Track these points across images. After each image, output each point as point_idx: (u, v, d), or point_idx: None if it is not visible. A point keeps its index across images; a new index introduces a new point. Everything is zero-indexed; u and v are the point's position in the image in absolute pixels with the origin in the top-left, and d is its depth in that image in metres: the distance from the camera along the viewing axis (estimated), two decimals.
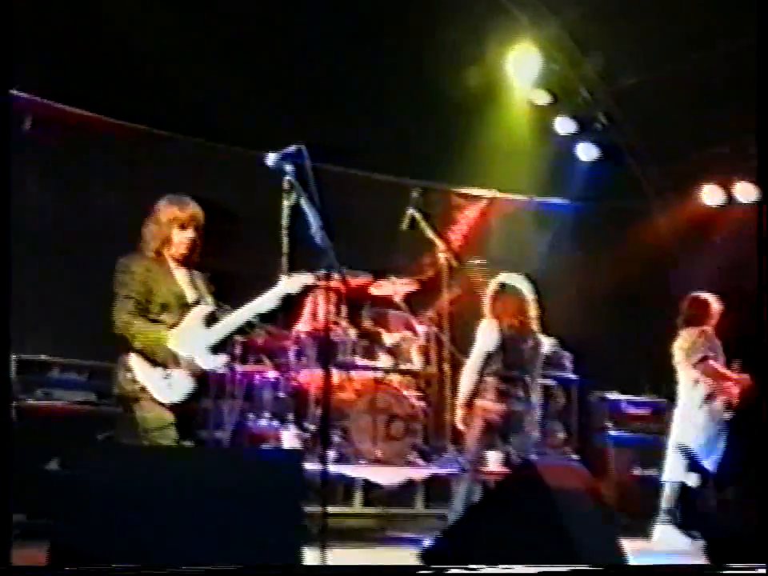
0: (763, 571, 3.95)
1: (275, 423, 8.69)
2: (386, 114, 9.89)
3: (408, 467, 8.80)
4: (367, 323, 9.44)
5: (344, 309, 9.12)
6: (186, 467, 4.21)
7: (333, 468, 8.10)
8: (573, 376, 10.45)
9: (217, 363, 5.72)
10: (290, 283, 5.72)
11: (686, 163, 11.04)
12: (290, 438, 8.48)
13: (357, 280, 8.79)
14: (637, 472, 10.11)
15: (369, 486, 8.82)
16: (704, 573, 4.05)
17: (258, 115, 9.16)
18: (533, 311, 7.85)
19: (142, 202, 6.04)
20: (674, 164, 11.22)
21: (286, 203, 5.80)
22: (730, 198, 10.76)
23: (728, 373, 8.74)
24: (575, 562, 4.43)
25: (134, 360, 5.49)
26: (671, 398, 10.44)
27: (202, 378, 5.67)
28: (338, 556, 5.14)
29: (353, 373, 9.12)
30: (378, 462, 8.67)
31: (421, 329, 9.50)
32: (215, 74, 9.07)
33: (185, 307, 5.66)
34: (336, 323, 8.96)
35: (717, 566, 4.02)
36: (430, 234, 9.22)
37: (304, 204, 5.44)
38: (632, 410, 10.34)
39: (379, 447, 8.72)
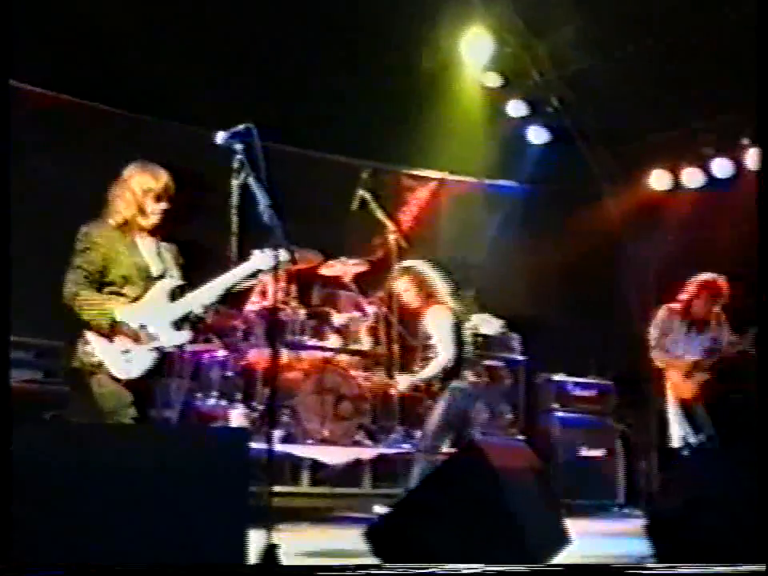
0: (763, 569, 4.00)
1: (223, 402, 8.68)
2: (336, 94, 9.88)
3: (355, 447, 8.84)
4: (317, 303, 9.46)
5: (294, 288, 9.12)
6: (133, 446, 4.18)
7: (280, 447, 8.12)
8: (520, 357, 10.52)
9: (180, 339, 5.56)
10: (262, 259, 5.59)
11: (635, 148, 11.14)
12: (237, 418, 8.47)
13: (307, 260, 8.79)
14: (582, 453, 10.21)
15: (316, 466, 8.84)
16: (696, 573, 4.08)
17: (208, 93, 9.12)
18: (444, 290, 7.79)
19: (92, 179, 5.99)
20: (624, 148, 11.31)
21: (235, 182, 5.75)
22: (678, 183, 10.86)
23: (673, 361, 8.64)
24: (519, 541, 4.49)
25: (90, 334, 5.36)
26: (617, 380, 10.58)
27: (163, 355, 5.49)
28: (285, 536, 5.16)
29: (302, 352, 9.13)
30: (325, 441, 8.69)
31: (370, 309, 9.53)
32: (167, 51, 9.05)
33: (149, 280, 5.51)
34: (285, 303, 8.97)
35: (715, 565, 4.05)
36: (380, 215, 9.21)
37: (252, 183, 5.40)
38: (578, 392, 10.45)
39: (327, 427, 8.75)
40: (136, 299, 5.44)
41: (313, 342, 9.14)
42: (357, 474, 9.11)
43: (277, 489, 5.42)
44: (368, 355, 9.46)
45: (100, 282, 5.42)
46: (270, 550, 4.77)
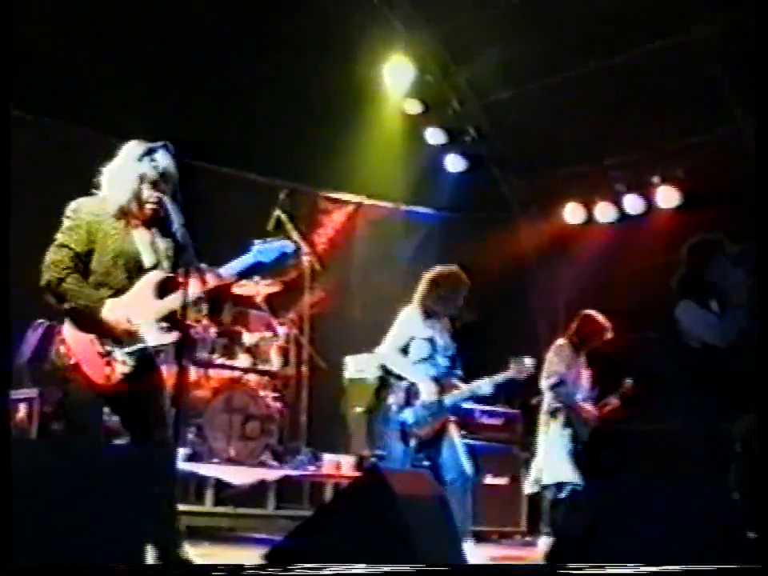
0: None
1: None
2: (256, 114, 9.89)
3: (261, 467, 8.80)
4: (227, 322, 9.41)
5: (204, 306, 9.06)
6: (36, 460, 4.13)
7: (185, 465, 8.06)
8: None
9: (165, 339, 5.13)
10: (264, 251, 5.43)
11: (550, 180, 11.29)
12: None
13: (219, 278, 8.72)
14: (487, 480, 10.25)
15: (221, 485, 8.78)
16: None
17: (126, 108, 9.06)
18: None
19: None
20: (539, 180, 11.46)
21: None
22: (591, 217, 11.02)
23: (579, 404, 8.79)
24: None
25: (67, 330, 4.97)
26: (523, 408, 10.67)
27: (148, 357, 5.12)
28: (187, 554, 5.14)
29: (210, 371, 9.08)
30: (231, 461, 8.65)
31: (281, 330, 9.52)
32: (85, 65, 8.99)
33: (138, 271, 5.09)
34: (197, 320, 8.91)
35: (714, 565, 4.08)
36: (295, 236, 9.23)
37: (167, 201, 5.22)
38: (485, 420, 10.49)
39: (233, 446, 8.70)
40: (120, 291, 5.04)
41: (222, 360, 9.09)
42: (261, 495, 9.05)
43: (180, 507, 5.38)
44: (277, 376, 9.45)
45: (85, 266, 5.01)
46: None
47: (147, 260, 5.16)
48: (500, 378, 7.64)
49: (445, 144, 11.43)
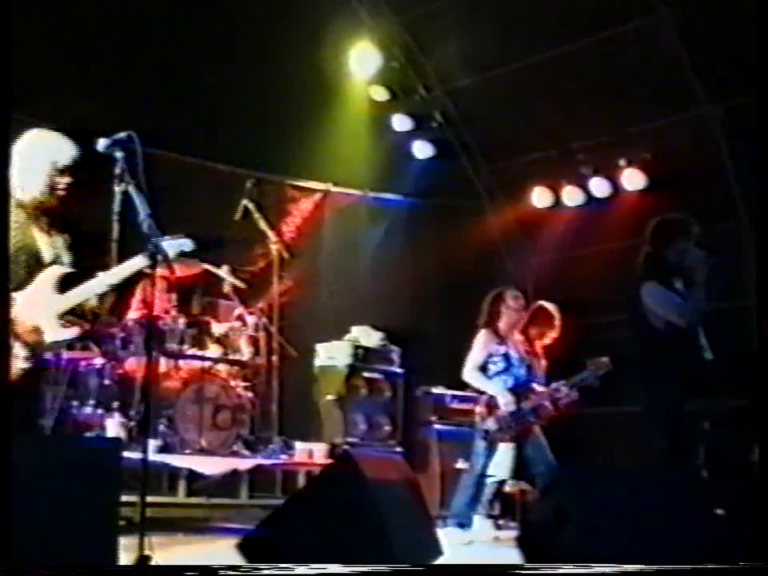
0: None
1: (100, 411, 8.55)
2: (222, 103, 9.85)
3: (233, 457, 8.80)
4: (197, 312, 9.39)
5: (174, 297, 9.03)
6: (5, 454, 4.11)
7: (157, 457, 8.05)
8: (399, 370, 10.58)
9: (66, 335, 5.12)
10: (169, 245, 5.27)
11: (517, 164, 11.31)
12: (114, 426, 8.36)
13: (187, 269, 8.70)
14: (459, 465, 10.28)
15: (193, 476, 8.77)
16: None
17: (91, 99, 9.01)
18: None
19: None
20: (506, 165, 11.48)
21: (117, 189, 5.62)
22: (558, 201, 11.05)
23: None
24: (390, 552, 4.53)
25: None
26: None
27: (42, 353, 5.11)
28: (158, 546, 5.13)
29: (180, 361, 9.06)
30: (203, 451, 8.64)
31: (250, 319, 9.50)
32: (46, 55, 8.91)
33: (38, 266, 5.09)
34: (166, 311, 8.89)
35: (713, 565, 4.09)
36: (262, 225, 9.23)
37: (133, 192, 5.23)
38: (456, 405, 10.50)
39: (205, 437, 8.69)
40: (19, 287, 5.01)
41: (192, 351, 9.07)
42: (234, 485, 9.06)
43: (152, 499, 5.37)
44: (247, 365, 9.44)
45: None
46: (142, 561, 4.75)
47: (47, 255, 5.16)
48: (577, 378, 8.19)
49: (411, 131, 11.42)
